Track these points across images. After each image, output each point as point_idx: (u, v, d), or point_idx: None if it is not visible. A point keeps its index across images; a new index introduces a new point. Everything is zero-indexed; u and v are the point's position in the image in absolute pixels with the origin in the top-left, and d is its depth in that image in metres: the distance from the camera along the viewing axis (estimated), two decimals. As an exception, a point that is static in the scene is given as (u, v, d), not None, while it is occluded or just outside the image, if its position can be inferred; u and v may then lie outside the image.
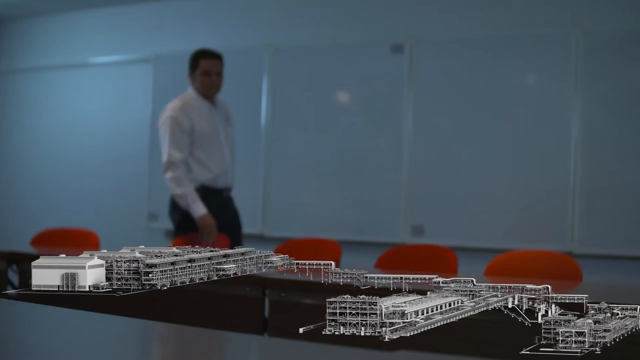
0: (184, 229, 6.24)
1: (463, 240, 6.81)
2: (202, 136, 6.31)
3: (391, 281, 2.38)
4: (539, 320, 2.13)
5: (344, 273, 2.51)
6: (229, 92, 8.12)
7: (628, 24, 6.60)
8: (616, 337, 2.09)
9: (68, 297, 2.20)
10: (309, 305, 3.91)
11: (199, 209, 6.12)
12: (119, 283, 2.23)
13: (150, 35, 8.93)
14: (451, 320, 2.08)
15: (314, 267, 2.60)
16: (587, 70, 6.66)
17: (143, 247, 2.40)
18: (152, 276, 2.22)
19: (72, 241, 6.24)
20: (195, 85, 6.43)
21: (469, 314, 2.15)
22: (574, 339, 2.02)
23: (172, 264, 2.28)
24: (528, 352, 1.99)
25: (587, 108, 6.67)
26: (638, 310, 2.23)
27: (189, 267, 2.34)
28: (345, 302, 1.96)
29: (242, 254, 2.55)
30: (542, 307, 2.25)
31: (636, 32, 6.55)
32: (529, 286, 2.29)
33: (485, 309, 2.21)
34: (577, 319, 2.08)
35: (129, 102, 9.06)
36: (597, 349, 2.02)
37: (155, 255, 2.30)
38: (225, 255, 2.48)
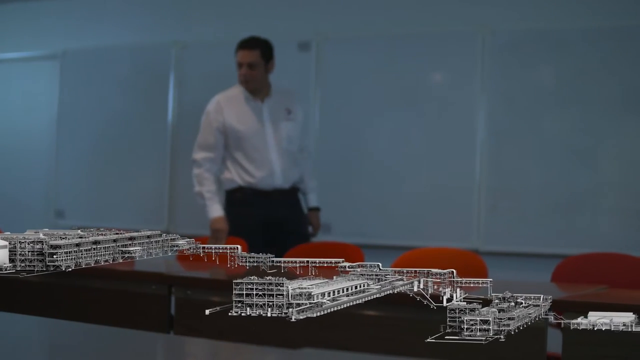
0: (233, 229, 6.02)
1: (369, 238, 6.81)
2: (237, 136, 6.10)
3: (297, 264, 2.39)
4: (444, 304, 2.15)
5: (250, 257, 2.52)
6: (136, 89, 8.08)
7: (533, 23, 6.69)
8: (520, 325, 2.13)
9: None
10: (215, 303, 3.90)
11: (212, 211, 5.96)
12: (23, 265, 2.19)
13: (57, 31, 8.78)
14: (357, 302, 2.09)
15: (220, 251, 2.60)
16: (492, 69, 6.73)
17: (47, 229, 2.36)
18: (57, 257, 2.17)
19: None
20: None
21: (375, 296, 2.16)
22: (478, 327, 2.04)
23: (77, 245, 2.24)
24: (433, 340, 2.01)
25: (493, 107, 6.74)
26: (541, 300, 2.27)
27: (94, 248, 2.31)
28: (251, 283, 1.96)
29: (148, 237, 2.53)
30: (447, 290, 2.28)
31: (540, 31, 6.63)
32: (434, 270, 2.31)
33: (391, 292, 2.22)
34: (482, 307, 2.11)
35: (35, 99, 8.90)
36: (502, 337, 2.06)
37: (60, 237, 2.26)
38: (130, 238, 2.45)
